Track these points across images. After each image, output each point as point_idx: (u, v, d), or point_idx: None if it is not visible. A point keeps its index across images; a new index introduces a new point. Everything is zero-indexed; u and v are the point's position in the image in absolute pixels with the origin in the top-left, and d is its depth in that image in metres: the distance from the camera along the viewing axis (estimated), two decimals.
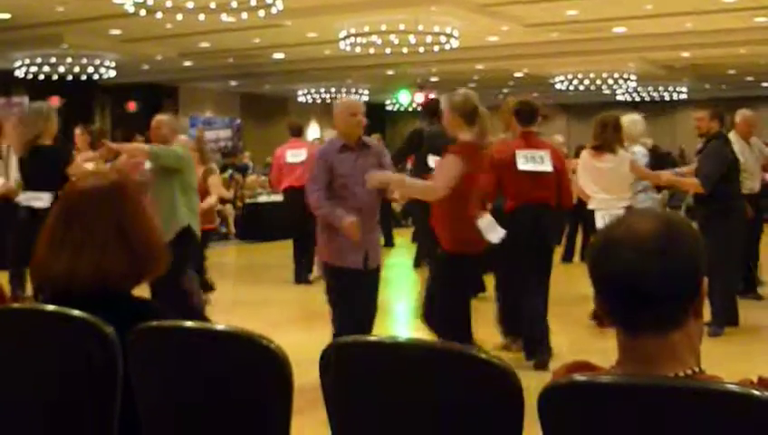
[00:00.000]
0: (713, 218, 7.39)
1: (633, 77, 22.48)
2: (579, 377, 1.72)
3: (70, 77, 18.72)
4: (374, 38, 15.98)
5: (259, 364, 2.18)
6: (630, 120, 8.06)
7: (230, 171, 18.74)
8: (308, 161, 10.71)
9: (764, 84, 25.92)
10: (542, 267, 6.77)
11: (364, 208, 5.68)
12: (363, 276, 5.76)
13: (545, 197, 6.64)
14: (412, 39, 16.03)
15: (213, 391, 2.27)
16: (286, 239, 12.15)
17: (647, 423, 1.60)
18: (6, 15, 15.01)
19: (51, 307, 2.41)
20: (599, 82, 22.23)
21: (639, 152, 8.11)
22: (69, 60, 18.18)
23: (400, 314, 9.12)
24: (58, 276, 2.46)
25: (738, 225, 7.68)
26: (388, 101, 28.42)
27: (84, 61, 18.38)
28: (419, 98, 25.17)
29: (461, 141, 5.70)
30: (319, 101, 26.83)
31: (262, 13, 13.45)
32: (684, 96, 26.72)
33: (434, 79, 24.20)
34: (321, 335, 5.43)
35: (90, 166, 8.23)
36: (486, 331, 7.05)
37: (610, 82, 22.37)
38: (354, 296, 5.75)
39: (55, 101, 19.96)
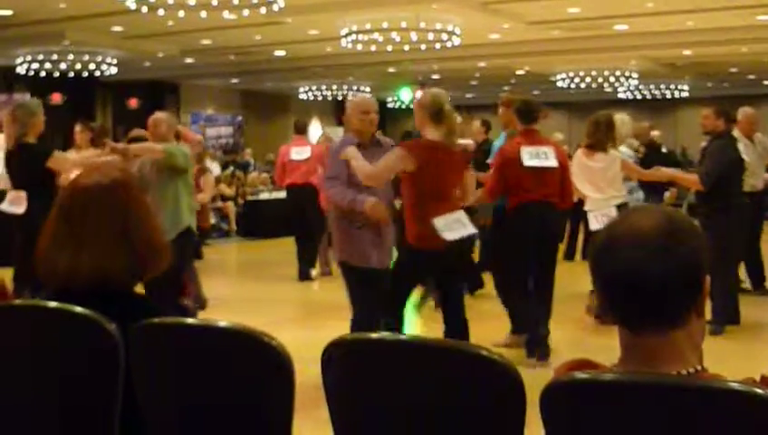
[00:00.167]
0: (714, 216, 7.40)
1: (635, 75, 22.45)
2: (581, 375, 1.72)
3: (71, 74, 18.70)
4: (376, 35, 15.96)
5: (261, 361, 2.18)
6: (619, 120, 8.09)
7: (231, 168, 18.76)
8: (313, 160, 10.74)
9: (766, 82, 25.88)
10: (547, 264, 6.78)
11: None
12: (385, 275, 5.78)
13: (549, 194, 6.65)
14: (414, 36, 16.01)
15: (214, 388, 2.28)
16: (287, 236, 12.16)
17: (649, 421, 1.60)
18: (8, 12, 15.00)
19: (53, 304, 2.41)
20: (600, 79, 22.20)
21: (625, 153, 8.17)
22: (70, 57, 18.16)
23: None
24: (60, 273, 2.46)
25: (739, 223, 7.68)
26: (389, 99, 28.41)
27: (86, 57, 18.36)
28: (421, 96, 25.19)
29: (422, 138, 5.73)
30: (320, 98, 26.82)
31: (263, 10, 13.44)
32: (685, 94, 26.69)
33: (435, 76, 24.18)
34: (323, 332, 5.43)
35: (73, 156, 8.22)
36: (485, 328, 7.06)
37: (612, 79, 22.34)
38: (377, 295, 5.73)
39: (57, 98, 20.01)
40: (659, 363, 1.71)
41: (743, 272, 9.23)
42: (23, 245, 6.52)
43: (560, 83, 22.91)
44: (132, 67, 20.30)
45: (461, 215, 5.61)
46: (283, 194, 12.48)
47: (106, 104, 23.72)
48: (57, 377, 2.40)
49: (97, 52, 18.35)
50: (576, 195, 7.39)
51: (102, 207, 2.48)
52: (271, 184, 18.78)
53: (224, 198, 17.26)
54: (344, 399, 2.17)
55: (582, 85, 22.56)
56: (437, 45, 16.55)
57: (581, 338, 7.45)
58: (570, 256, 12.24)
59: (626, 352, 1.76)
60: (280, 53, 20.19)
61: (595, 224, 7.61)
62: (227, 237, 16.67)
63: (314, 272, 11.20)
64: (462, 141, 8.83)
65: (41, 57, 18.19)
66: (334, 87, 25.85)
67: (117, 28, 16.79)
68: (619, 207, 7.49)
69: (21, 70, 18.66)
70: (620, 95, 25.72)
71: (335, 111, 29.68)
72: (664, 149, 13.63)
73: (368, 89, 25.39)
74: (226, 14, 14.02)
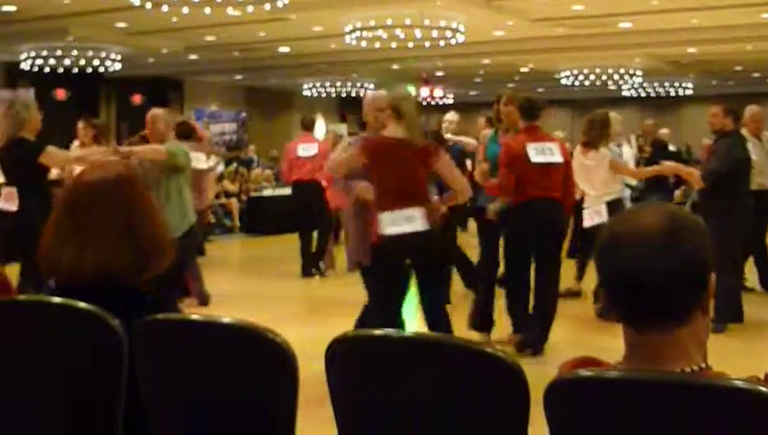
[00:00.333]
0: (718, 215, 7.39)
1: (639, 72, 22.43)
2: (585, 372, 1.72)
3: (75, 70, 18.70)
4: (380, 32, 15.95)
5: (265, 358, 2.18)
6: (613, 118, 8.12)
7: (235, 165, 18.75)
8: (319, 157, 10.75)
9: None
10: (551, 262, 6.79)
11: None
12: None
13: (553, 190, 6.66)
14: (418, 33, 16.00)
15: (218, 385, 2.28)
16: (291, 233, 12.16)
17: (653, 419, 1.60)
18: (12, 8, 15.00)
19: (57, 299, 2.42)
20: (604, 77, 22.18)
21: (615, 151, 8.22)
22: (74, 52, 18.16)
23: (406, 308, 9.12)
24: (64, 268, 2.46)
25: (743, 222, 7.66)
26: None
27: (90, 54, 18.36)
28: (425, 92, 25.18)
29: (379, 135, 5.76)
30: (324, 95, 26.81)
31: (267, 6, 13.43)
32: (690, 92, 26.66)
33: (439, 73, 24.16)
34: (327, 329, 5.42)
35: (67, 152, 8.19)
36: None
37: (616, 77, 22.32)
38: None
39: (61, 94, 20.01)
40: (664, 361, 1.70)
41: (748, 270, 9.24)
42: (24, 241, 6.51)
43: (564, 81, 22.90)
44: (136, 63, 20.31)
45: (415, 211, 5.51)
46: (286, 190, 12.49)
47: (110, 100, 23.73)
48: (61, 373, 2.40)
49: (101, 48, 18.35)
50: (578, 192, 7.43)
51: (107, 202, 2.48)
52: (275, 181, 18.78)
53: (227, 195, 17.27)
54: (348, 395, 2.17)
55: (586, 83, 22.55)
56: (441, 42, 16.54)
57: (582, 337, 7.44)
58: (572, 253, 12.22)
59: (630, 350, 1.76)
60: (284, 49, 20.18)
61: (588, 221, 7.68)
62: (231, 234, 16.68)
63: (325, 268, 11.20)
64: (462, 139, 8.82)
65: (45, 53, 18.19)
66: (338, 84, 25.83)
67: (121, 24, 16.79)
68: (610, 203, 7.55)
69: (25, 66, 18.68)
70: (624, 93, 25.69)
71: (339, 107, 29.69)
72: (672, 148, 13.57)
73: (372, 86, 25.37)
74: (230, 11, 14.02)
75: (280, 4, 13.26)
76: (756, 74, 24.55)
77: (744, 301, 7.94)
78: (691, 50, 19.68)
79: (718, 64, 22.10)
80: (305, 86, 26.40)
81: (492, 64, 22.18)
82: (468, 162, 9.06)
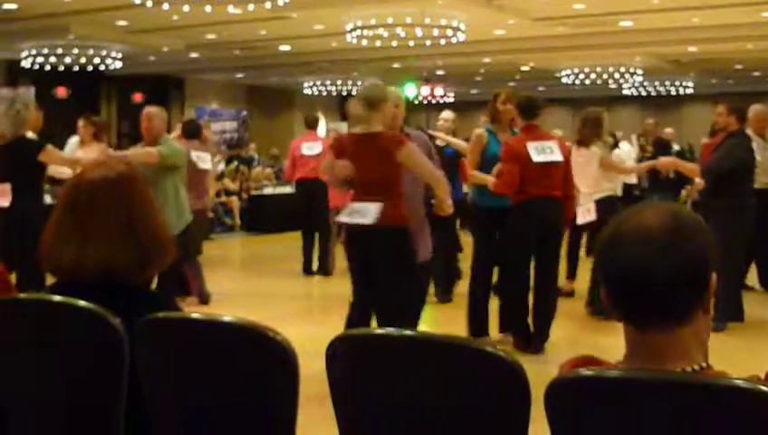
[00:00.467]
0: (720, 214, 7.38)
1: (639, 71, 22.42)
2: (586, 372, 1.72)
3: (76, 68, 18.71)
4: (381, 31, 15.95)
5: (266, 356, 2.18)
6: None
7: (236, 163, 18.75)
8: (323, 155, 10.74)
9: None
10: (550, 261, 6.78)
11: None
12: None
13: (553, 189, 6.66)
14: (419, 32, 16.00)
15: (219, 383, 2.28)
16: (291, 231, 12.16)
17: (654, 419, 1.60)
18: (13, 6, 15.00)
19: (57, 298, 2.42)
20: (605, 76, 22.18)
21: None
22: (75, 51, 18.17)
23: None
24: (66, 266, 2.46)
25: (745, 222, 7.66)
26: None
27: (91, 52, 18.36)
28: (425, 91, 25.16)
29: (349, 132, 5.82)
30: (325, 93, 26.81)
31: (268, 4, 13.44)
32: (690, 91, 26.65)
33: (440, 72, 24.16)
34: (327, 327, 5.43)
35: (64, 154, 8.19)
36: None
37: (617, 76, 22.32)
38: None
39: (62, 93, 20.00)
40: (665, 361, 1.70)
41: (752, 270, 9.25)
42: (23, 241, 6.49)
43: (564, 80, 22.90)
44: (137, 61, 20.31)
45: (371, 206, 5.44)
46: (287, 189, 12.49)
47: (111, 99, 23.72)
48: (61, 371, 2.40)
49: (102, 46, 18.36)
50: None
51: (108, 199, 2.48)
52: (275, 179, 18.78)
53: (228, 193, 17.27)
54: (349, 394, 2.17)
55: (587, 82, 22.55)
56: (442, 41, 16.54)
57: (582, 337, 7.44)
58: (588, 252, 12.22)
59: (631, 349, 1.76)
60: (285, 47, 20.18)
61: (581, 219, 7.70)
62: (231, 232, 16.68)
63: (332, 267, 11.16)
64: (451, 141, 8.71)
65: (46, 51, 18.19)
66: (339, 82, 25.83)
67: (122, 22, 16.79)
68: (600, 202, 7.57)
69: (26, 64, 18.68)
70: (625, 92, 25.69)
71: (340, 106, 29.67)
72: (676, 147, 13.54)
73: None
74: (231, 9, 14.01)
75: (281, 3, 13.26)
76: (757, 73, 24.54)
77: (745, 300, 7.94)
78: (692, 49, 19.67)
79: (719, 63, 22.09)
80: (306, 84, 26.40)
81: (493, 63, 22.17)
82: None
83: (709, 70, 23.53)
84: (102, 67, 19.02)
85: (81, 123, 9.59)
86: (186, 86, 25.29)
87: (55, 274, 2.53)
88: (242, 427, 2.24)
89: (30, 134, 7.44)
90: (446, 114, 9.44)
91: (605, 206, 7.70)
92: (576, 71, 22.20)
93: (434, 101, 25.65)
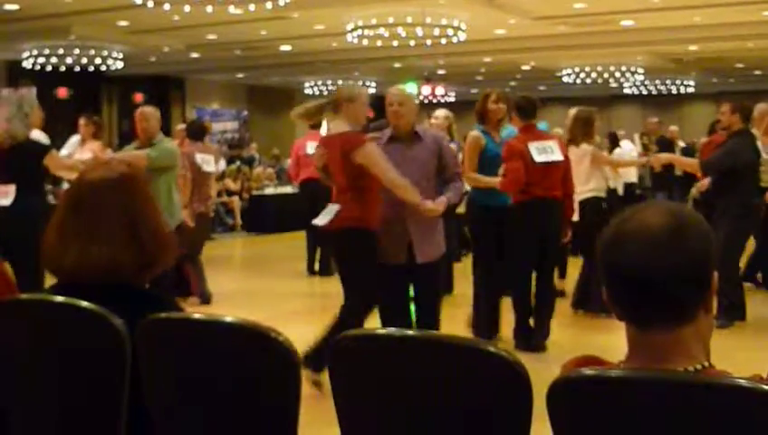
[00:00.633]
0: (723, 213, 7.38)
1: (640, 70, 22.42)
2: (588, 371, 1.72)
3: (77, 68, 18.71)
4: (381, 31, 15.95)
5: (267, 357, 2.18)
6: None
7: (237, 163, 18.76)
8: None
9: None
10: (552, 258, 6.80)
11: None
12: (409, 272, 5.63)
13: (553, 189, 6.66)
14: (419, 32, 16.00)
15: (220, 383, 2.28)
16: (292, 231, 12.16)
17: (656, 418, 1.60)
18: (15, 6, 15.01)
19: (59, 298, 2.42)
20: (606, 75, 22.17)
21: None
22: (76, 51, 18.17)
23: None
24: (68, 266, 2.46)
25: (748, 221, 7.65)
26: None
27: (92, 52, 18.36)
28: (426, 91, 25.15)
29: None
30: (326, 93, 26.80)
31: (269, 5, 13.44)
32: (691, 90, 26.65)
33: (441, 72, 24.15)
34: None
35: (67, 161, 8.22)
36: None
37: (618, 75, 22.31)
38: (400, 294, 5.65)
39: (63, 93, 20.01)
40: (667, 360, 1.70)
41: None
42: (24, 241, 6.49)
43: (565, 79, 22.89)
44: (138, 62, 20.31)
45: (334, 207, 5.58)
46: (288, 189, 12.49)
47: (112, 99, 23.72)
48: (63, 372, 2.41)
49: (103, 46, 18.36)
50: None
51: (110, 200, 2.48)
52: (276, 179, 18.78)
53: (229, 193, 17.27)
54: (351, 394, 2.17)
55: (588, 81, 22.54)
56: (443, 41, 16.54)
57: (584, 336, 7.44)
58: (574, 251, 12.22)
59: (633, 348, 1.76)
60: (286, 47, 20.18)
61: (575, 217, 7.70)
62: (232, 232, 16.69)
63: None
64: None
65: (47, 52, 18.20)
66: (340, 82, 25.81)
67: (123, 23, 16.80)
68: (583, 202, 7.57)
69: (27, 64, 18.68)
70: (626, 91, 25.69)
71: None
72: (682, 144, 13.51)
73: (373, 84, 25.37)
74: (232, 9, 14.02)
75: (282, 3, 13.26)
76: (758, 72, 24.54)
77: (746, 298, 7.93)
78: (693, 48, 19.68)
79: (720, 62, 22.09)
80: (307, 84, 26.40)
81: (493, 63, 22.17)
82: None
83: (710, 69, 23.52)
84: (103, 67, 19.03)
85: (82, 122, 9.74)
86: (186, 86, 25.29)
87: (57, 274, 2.53)
88: (244, 427, 2.24)
89: (36, 132, 7.48)
90: (439, 112, 9.34)
91: (590, 207, 7.71)
92: (577, 70, 22.19)
93: (435, 101, 25.65)
